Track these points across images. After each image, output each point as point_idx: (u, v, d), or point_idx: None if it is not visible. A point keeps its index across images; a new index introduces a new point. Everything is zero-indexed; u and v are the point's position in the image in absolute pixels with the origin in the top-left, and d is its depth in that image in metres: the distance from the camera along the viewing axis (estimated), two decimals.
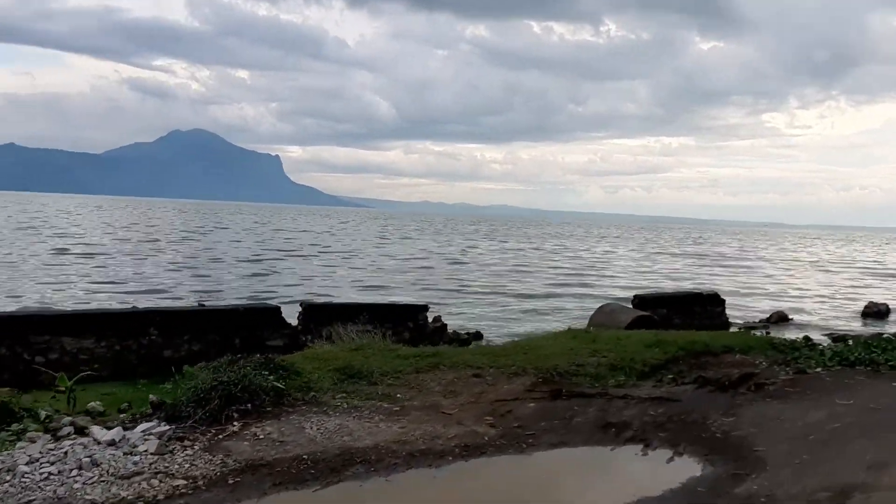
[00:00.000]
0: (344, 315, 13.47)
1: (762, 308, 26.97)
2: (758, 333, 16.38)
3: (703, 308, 19.03)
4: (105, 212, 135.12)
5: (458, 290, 29.89)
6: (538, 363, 9.48)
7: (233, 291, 26.60)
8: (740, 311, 26.29)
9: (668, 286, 33.97)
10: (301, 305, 13.59)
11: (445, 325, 16.00)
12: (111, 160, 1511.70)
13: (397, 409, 7.57)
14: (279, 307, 13.12)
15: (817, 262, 64.27)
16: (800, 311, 26.73)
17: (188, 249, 47.43)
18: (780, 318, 22.92)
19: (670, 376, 9.65)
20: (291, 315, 13.53)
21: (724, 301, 19.47)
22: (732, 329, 20.18)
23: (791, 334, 20.56)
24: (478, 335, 17.59)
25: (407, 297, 24.29)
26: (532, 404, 8.01)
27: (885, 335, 14.16)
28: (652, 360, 10.10)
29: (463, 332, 17.24)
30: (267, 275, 33.93)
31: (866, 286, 39.21)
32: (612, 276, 40.31)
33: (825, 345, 11.66)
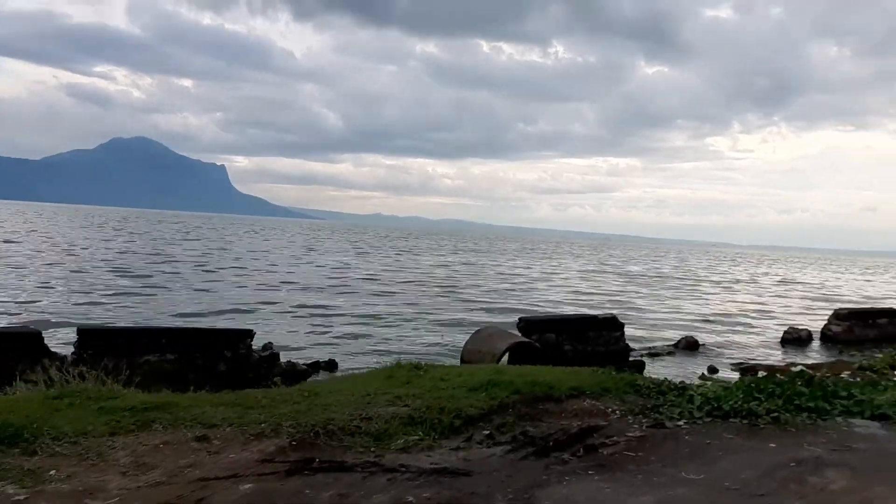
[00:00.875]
0: (135, 342, 10.94)
1: (681, 330, 25.25)
2: (656, 363, 14.36)
3: (599, 333, 17.05)
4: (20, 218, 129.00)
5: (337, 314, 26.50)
6: (305, 417, 7.12)
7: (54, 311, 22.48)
8: (654, 333, 24.53)
9: (590, 305, 32.13)
10: (77, 331, 11.00)
11: (277, 353, 13.52)
12: (50, 166, 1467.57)
13: (23, 497, 5.09)
14: (39, 332, 10.50)
15: (752, 282, 63.73)
16: (717, 335, 25.09)
17: (63, 259, 43.55)
18: (689, 345, 21.08)
19: (486, 432, 7.39)
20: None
21: (622, 325, 17.53)
22: (633, 356, 18.25)
23: (694, 364, 18.75)
24: (331, 364, 15.15)
25: (276, 320, 21.70)
26: (249, 486, 5.61)
27: (780, 376, 12.15)
28: (471, 409, 7.83)
29: (302, 362, 14.71)
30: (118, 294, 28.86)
31: (794, 309, 38.14)
32: (533, 294, 38.35)
33: (700, 388, 9.55)
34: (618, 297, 38.66)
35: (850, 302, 42.91)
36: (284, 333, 20.18)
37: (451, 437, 7.23)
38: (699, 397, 8.79)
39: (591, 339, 16.58)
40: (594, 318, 17.23)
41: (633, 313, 30.21)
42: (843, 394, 9.65)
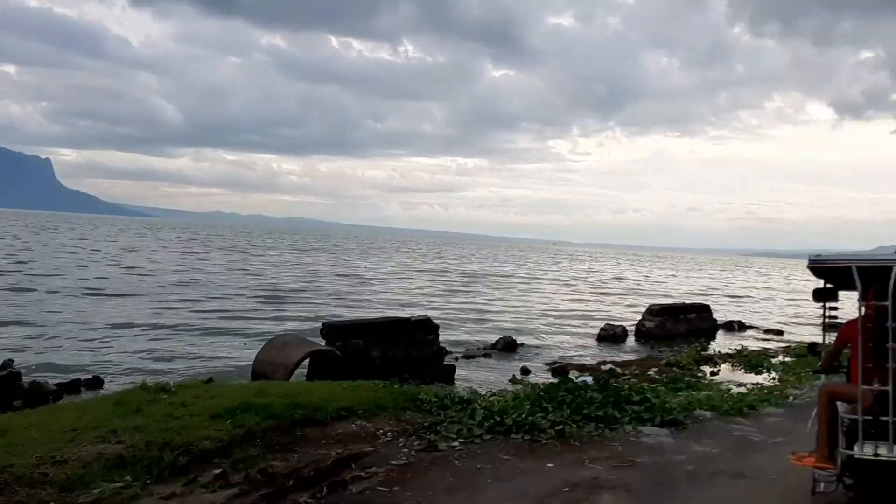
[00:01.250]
0: None
1: (506, 330, 24.99)
2: (470, 366, 13.54)
3: (411, 336, 16.13)
4: None
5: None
6: None
7: None
8: (478, 334, 24.09)
9: (421, 306, 31.33)
10: None
11: (19, 373, 11.43)
12: None
13: None
14: None
15: (582, 280, 65.92)
16: (539, 333, 25.13)
17: None
18: (507, 346, 20.74)
19: (218, 471, 6.07)
20: None
21: (436, 327, 16.71)
22: (448, 360, 17.52)
23: (509, 365, 18.36)
24: (94, 382, 13.12)
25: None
26: None
27: (577, 379, 11.71)
28: (207, 441, 6.49)
29: (56, 381, 12.60)
30: None
31: (617, 306, 39.45)
32: (366, 295, 36.96)
33: (485, 400, 8.76)
34: (450, 297, 38.26)
35: (669, 297, 45.14)
36: (58, 348, 17.58)
37: (170, 480, 5.85)
38: (482, 411, 7.98)
39: (403, 344, 15.67)
40: (406, 320, 16.32)
41: (462, 314, 29.81)
42: (637, 398, 9.25)
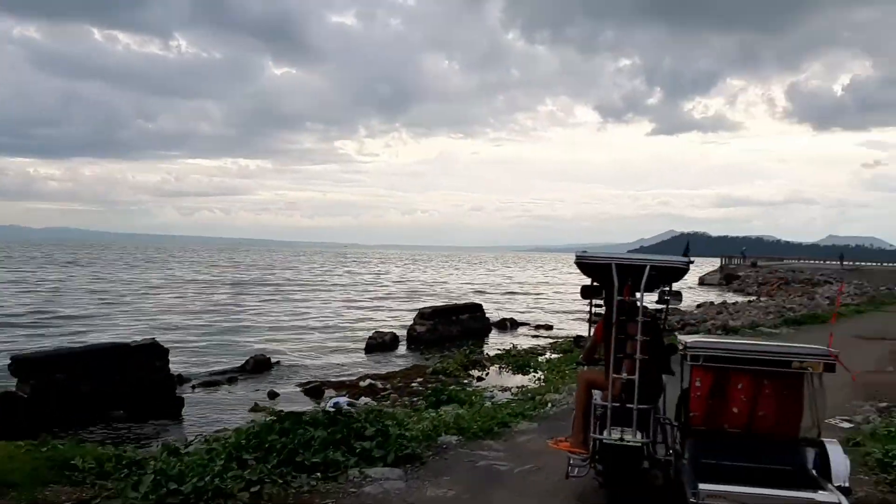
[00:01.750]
0: None
1: (266, 344, 22.74)
2: (208, 393, 11.29)
3: (133, 364, 13.48)
4: None
5: None
6: None
7: None
8: (229, 355, 21.39)
9: (175, 327, 27.95)
10: None
11: None
12: None
13: None
14: None
15: (368, 283, 64.73)
16: (300, 347, 23.12)
17: None
18: (259, 365, 18.50)
19: None
20: None
21: (166, 352, 14.16)
22: (182, 389, 15.05)
23: (255, 390, 16.25)
24: None
25: None
26: None
27: (330, 400, 10.04)
28: None
29: None
30: None
31: (398, 309, 38.47)
32: (117, 317, 32.45)
33: (161, 460, 6.67)
34: (213, 313, 34.51)
35: (451, 296, 45.22)
36: None
37: None
38: (150, 477, 5.93)
39: (122, 374, 13.03)
40: (125, 346, 13.59)
41: (217, 332, 26.76)
42: (371, 431, 7.69)
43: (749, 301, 44.92)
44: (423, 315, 24.13)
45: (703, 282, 76.74)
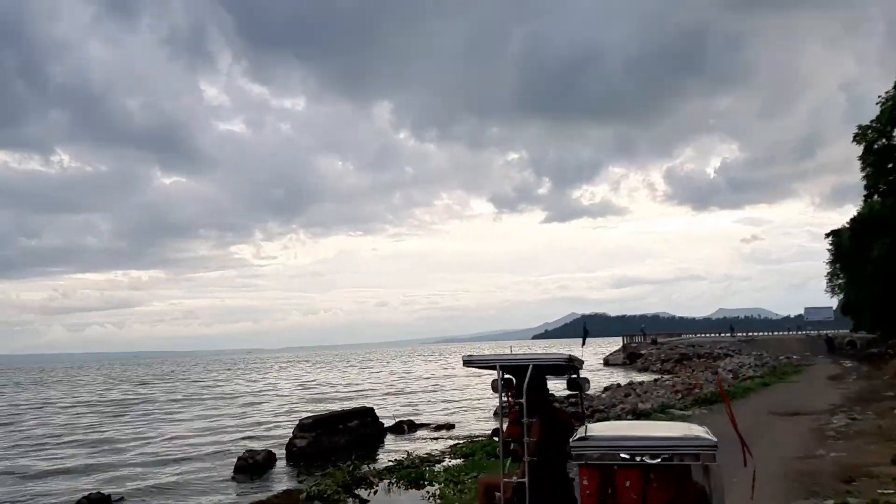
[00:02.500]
0: None
1: (114, 475, 19.14)
2: None
3: None
4: None
5: None
6: None
7: None
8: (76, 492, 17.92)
9: None
10: None
11: None
12: None
13: None
14: None
15: (257, 392, 60.06)
16: (156, 473, 19.70)
17: None
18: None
19: None
20: None
21: None
22: None
23: None
24: None
25: None
26: None
27: None
28: None
29: None
30: None
31: (285, 420, 34.83)
32: None
33: None
34: (57, 443, 29.65)
35: (349, 399, 42.08)
36: None
37: None
38: None
39: None
40: None
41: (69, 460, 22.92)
42: None
43: (655, 380, 44.03)
44: (302, 427, 21.19)
45: (607, 362, 76.51)
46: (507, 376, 6.13)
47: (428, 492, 14.82)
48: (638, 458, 4.90)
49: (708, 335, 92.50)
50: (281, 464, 20.68)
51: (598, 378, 55.26)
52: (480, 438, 22.62)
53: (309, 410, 34.72)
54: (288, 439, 21.51)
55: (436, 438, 24.67)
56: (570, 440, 5.21)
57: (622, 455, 4.93)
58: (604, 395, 35.79)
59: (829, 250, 67.21)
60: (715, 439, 4.94)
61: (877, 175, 45.58)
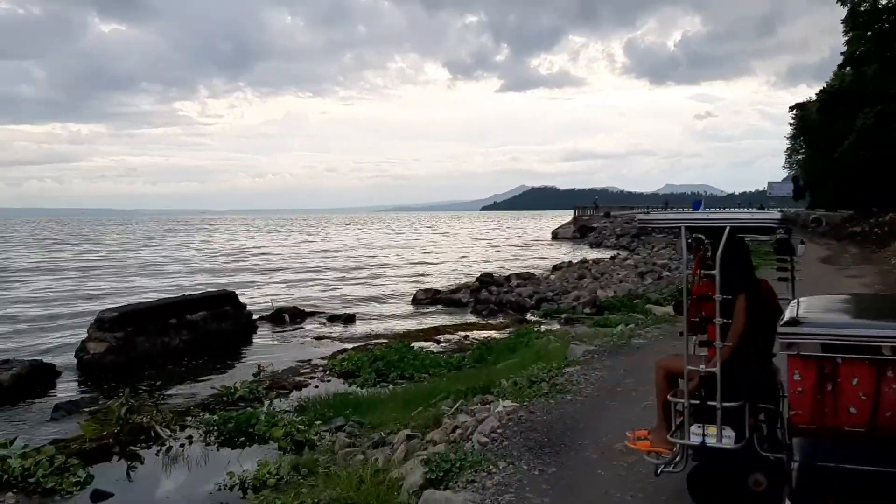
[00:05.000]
0: None
1: None
2: None
3: None
4: None
5: None
6: None
7: None
8: None
9: None
10: None
11: None
12: None
13: None
14: None
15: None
16: None
17: None
18: None
19: None
20: None
21: None
22: None
23: None
24: None
25: None
26: None
27: None
28: None
29: None
30: None
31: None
32: None
33: None
34: None
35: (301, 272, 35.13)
36: None
37: None
38: None
39: None
40: None
41: None
42: None
43: (612, 258, 37.93)
44: (101, 324, 13.82)
45: (556, 236, 70.87)
46: (696, 236, 5.05)
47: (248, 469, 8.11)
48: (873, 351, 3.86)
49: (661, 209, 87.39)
50: (69, 374, 13.64)
51: (546, 254, 49.41)
52: (380, 343, 15.91)
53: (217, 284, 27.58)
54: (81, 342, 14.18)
55: (322, 337, 17.86)
56: (779, 322, 4.12)
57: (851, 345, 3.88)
58: (553, 278, 29.43)
59: (791, 124, 64.49)
60: None
61: (858, 41, 41.94)
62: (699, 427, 4.64)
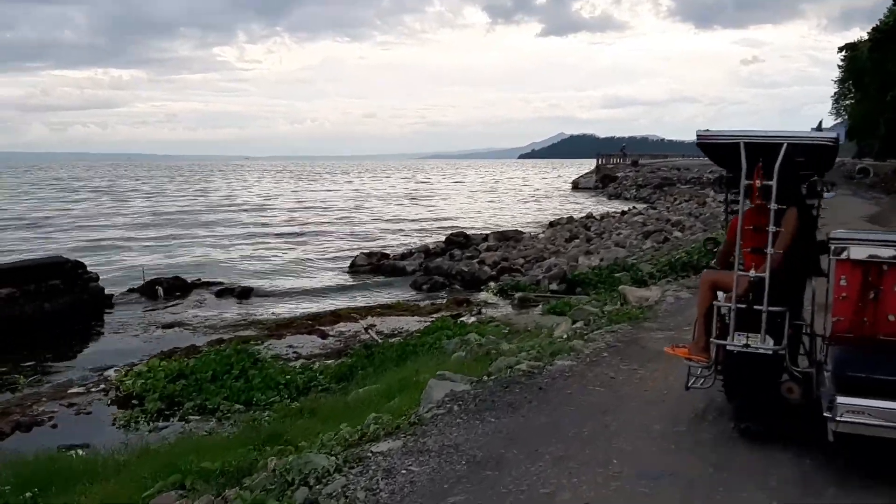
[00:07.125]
0: None
1: None
2: None
3: None
4: None
5: None
6: None
7: None
8: None
9: None
10: None
11: None
12: None
13: None
14: None
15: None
16: None
17: None
18: None
19: None
20: None
21: None
22: None
23: None
24: None
25: None
26: None
27: None
28: None
29: None
30: None
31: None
32: None
33: None
34: None
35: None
36: None
37: None
38: None
39: None
40: None
41: None
42: None
43: (623, 213, 32.87)
44: None
45: (577, 185, 65.46)
46: (728, 175, 5.36)
47: None
48: None
49: (698, 157, 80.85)
50: None
51: (556, 208, 44.43)
52: (241, 336, 11.56)
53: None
54: None
55: (172, 326, 13.51)
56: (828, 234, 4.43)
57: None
58: (541, 237, 24.68)
59: (839, 66, 58.77)
60: None
61: None
62: (741, 334, 4.67)
